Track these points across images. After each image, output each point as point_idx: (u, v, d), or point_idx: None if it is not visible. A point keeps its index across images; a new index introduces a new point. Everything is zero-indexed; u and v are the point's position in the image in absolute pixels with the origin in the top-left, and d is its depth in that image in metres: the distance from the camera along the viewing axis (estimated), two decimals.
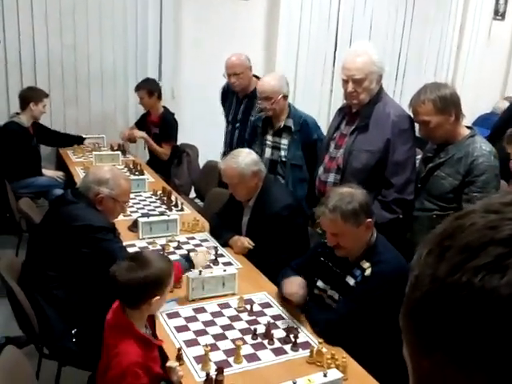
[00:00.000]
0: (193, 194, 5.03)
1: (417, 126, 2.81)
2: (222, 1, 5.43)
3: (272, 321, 2.33)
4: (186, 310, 2.39)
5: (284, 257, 2.71)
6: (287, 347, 2.14)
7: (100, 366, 1.94)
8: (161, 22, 5.26)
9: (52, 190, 4.43)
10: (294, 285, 2.37)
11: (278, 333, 2.23)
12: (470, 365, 0.46)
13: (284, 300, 2.45)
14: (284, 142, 3.53)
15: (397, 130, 2.76)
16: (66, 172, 4.67)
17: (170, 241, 3.10)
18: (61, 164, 4.95)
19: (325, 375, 1.82)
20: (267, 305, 2.48)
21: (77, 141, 5.02)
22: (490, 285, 0.45)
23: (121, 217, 2.97)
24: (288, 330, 2.23)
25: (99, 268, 2.00)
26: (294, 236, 2.93)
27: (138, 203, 3.79)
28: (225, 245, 3.09)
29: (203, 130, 4.88)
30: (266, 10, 5.69)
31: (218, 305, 2.45)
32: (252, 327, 2.24)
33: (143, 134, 4.83)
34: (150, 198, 3.94)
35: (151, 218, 3.21)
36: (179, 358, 2.00)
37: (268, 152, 3.60)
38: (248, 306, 2.42)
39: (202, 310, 2.41)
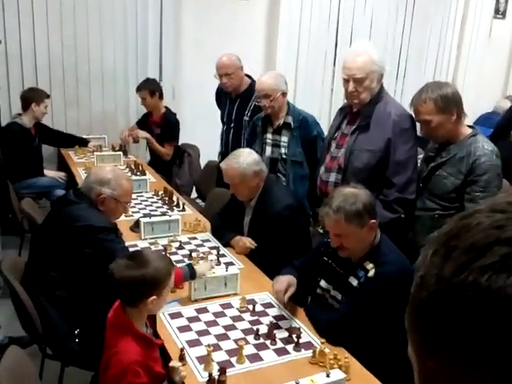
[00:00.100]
0: (194, 194, 5.03)
1: (418, 125, 2.81)
2: (223, 0, 5.43)
3: (274, 321, 2.33)
4: (189, 311, 2.39)
5: (285, 257, 2.71)
6: (290, 347, 2.14)
7: (101, 365, 1.94)
8: (161, 22, 5.26)
9: (54, 191, 4.44)
10: (279, 283, 2.39)
11: (281, 333, 2.24)
12: (474, 365, 0.46)
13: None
14: (284, 139, 3.55)
15: (398, 129, 2.76)
16: (68, 172, 4.68)
17: (172, 241, 3.10)
18: (62, 164, 4.95)
19: (327, 375, 1.83)
20: (269, 305, 2.48)
21: (80, 142, 5.02)
22: (497, 284, 0.45)
23: (123, 217, 2.97)
24: (290, 330, 2.23)
25: (101, 268, 2.00)
26: (296, 236, 2.94)
27: (140, 203, 3.80)
28: (227, 245, 3.09)
29: (204, 130, 4.88)
30: (266, 9, 5.69)
31: (221, 305, 2.46)
32: (254, 327, 2.24)
33: (147, 134, 4.83)
34: (152, 198, 3.94)
35: (153, 219, 3.22)
36: (182, 358, 2.00)
37: (268, 150, 3.61)
38: (250, 306, 2.42)
39: (204, 310, 2.41)
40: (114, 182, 2.64)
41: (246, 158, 3.02)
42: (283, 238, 2.88)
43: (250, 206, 3.12)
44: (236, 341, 2.15)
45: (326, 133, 3.53)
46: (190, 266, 2.52)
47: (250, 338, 2.20)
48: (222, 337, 2.20)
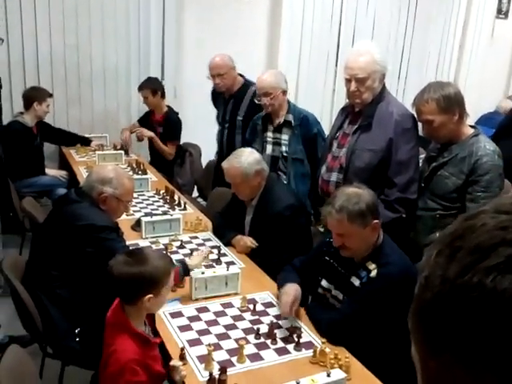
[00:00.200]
0: (195, 194, 5.04)
1: (420, 125, 2.80)
2: (225, 1, 5.43)
3: (275, 320, 2.33)
4: (189, 310, 2.39)
5: (286, 256, 2.70)
6: (290, 347, 2.14)
7: (100, 364, 1.95)
8: (163, 22, 5.27)
9: (55, 190, 4.45)
10: (287, 295, 2.29)
11: (281, 332, 2.23)
12: (479, 366, 0.46)
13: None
14: (285, 137, 3.56)
15: (400, 129, 2.76)
16: (69, 171, 4.68)
17: (173, 240, 3.10)
18: (64, 163, 4.96)
19: (328, 375, 1.82)
20: (270, 304, 2.48)
21: (83, 142, 5.02)
22: (502, 286, 0.44)
23: (124, 216, 2.97)
24: (291, 329, 2.23)
25: (102, 267, 2.00)
26: (297, 236, 2.93)
27: (141, 202, 3.80)
28: (228, 244, 3.09)
29: (205, 130, 4.87)
30: (268, 9, 5.68)
31: (221, 304, 2.45)
32: (255, 327, 2.24)
33: (152, 133, 4.84)
34: (153, 197, 3.94)
35: (154, 218, 3.22)
36: (182, 357, 2.00)
37: (269, 148, 3.62)
38: (251, 306, 2.42)
39: (205, 309, 2.41)
40: (116, 181, 2.64)
41: (247, 157, 3.02)
42: (284, 237, 2.87)
43: (252, 205, 3.12)
44: (237, 340, 2.15)
45: (327, 132, 3.54)
46: (182, 262, 2.53)
47: (251, 337, 2.20)
48: (223, 336, 2.20)
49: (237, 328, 2.27)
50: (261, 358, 2.07)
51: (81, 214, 2.55)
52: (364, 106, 2.84)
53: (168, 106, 4.94)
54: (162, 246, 3.02)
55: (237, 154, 3.07)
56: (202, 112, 5.16)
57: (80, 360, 2.47)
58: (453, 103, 2.60)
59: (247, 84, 4.16)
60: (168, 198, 3.83)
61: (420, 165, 2.91)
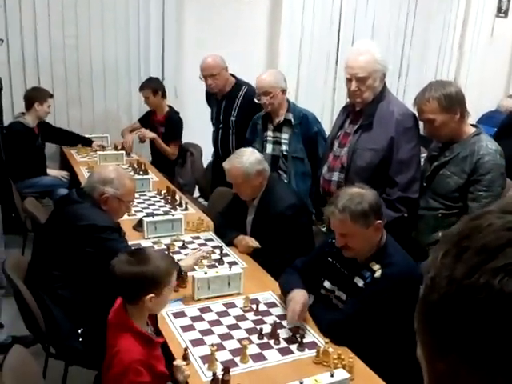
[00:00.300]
0: (196, 194, 5.04)
1: (421, 124, 2.80)
2: (225, 1, 5.42)
3: (278, 320, 2.32)
4: (192, 310, 2.39)
5: (288, 256, 2.71)
6: (293, 347, 2.14)
7: (104, 365, 1.95)
8: (163, 22, 5.26)
9: (56, 190, 4.45)
10: (295, 302, 2.25)
11: (284, 332, 2.23)
12: (486, 367, 0.46)
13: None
14: (285, 136, 3.57)
15: (401, 128, 2.76)
16: (70, 172, 4.68)
17: (175, 240, 3.11)
18: (65, 164, 4.96)
19: (331, 375, 1.82)
20: (273, 304, 2.48)
21: (84, 142, 5.02)
22: (509, 287, 0.44)
23: (125, 216, 2.97)
24: (294, 329, 2.23)
25: (104, 268, 2.00)
26: (299, 235, 2.94)
27: (143, 203, 3.80)
28: (230, 244, 3.09)
29: (206, 130, 4.86)
30: (268, 9, 5.68)
31: (224, 304, 2.45)
32: (258, 327, 2.24)
33: (154, 134, 4.84)
34: (155, 197, 3.95)
35: (156, 218, 3.22)
36: (185, 357, 2.00)
37: (269, 148, 3.63)
38: (254, 306, 2.42)
39: (207, 309, 2.41)
40: (117, 182, 2.64)
41: (248, 157, 3.02)
42: (286, 237, 2.87)
43: (253, 205, 3.12)
44: (240, 340, 2.15)
45: (327, 132, 3.54)
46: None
47: (254, 337, 2.20)
48: (226, 336, 2.20)
49: (240, 328, 2.27)
50: (264, 358, 2.07)
51: (82, 215, 2.55)
52: (365, 106, 2.84)
53: (169, 106, 4.94)
54: (163, 246, 3.02)
55: (238, 154, 3.08)
56: (203, 112, 5.15)
57: (83, 360, 2.47)
58: (454, 102, 2.60)
59: (239, 84, 4.17)
60: (169, 198, 3.83)
61: (421, 164, 2.91)
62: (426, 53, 6.63)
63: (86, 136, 5.07)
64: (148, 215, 3.37)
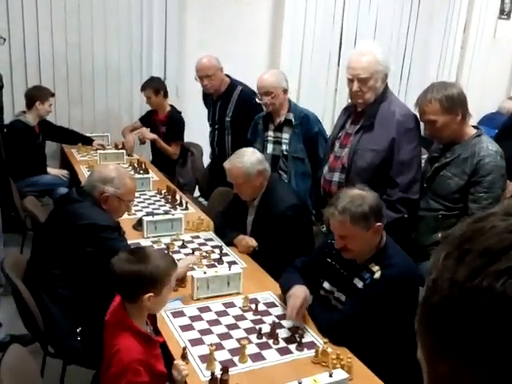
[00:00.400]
0: (197, 193, 5.03)
1: (422, 125, 2.80)
2: (227, 1, 5.42)
3: (277, 320, 2.32)
4: (191, 309, 2.39)
5: (289, 256, 2.70)
6: (292, 347, 2.14)
7: (103, 365, 1.94)
8: (165, 22, 5.27)
9: (56, 189, 4.45)
10: (294, 298, 2.24)
11: (283, 332, 2.23)
12: (488, 370, 0.45)
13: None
14: (285, 136, 3.57)
15: (402, 129, 2.75)
16: (71, 170, 4.68)
17: (175, 240, 3.10)
18: (65, 162, 4.96)
19: (330, 375, 1.82)
20: (272, 304, 2.48)
21: (85, 141, 5.02)
22: None
23: (125, 216, 2.97)
24: (293, 329, 2.22)
25: (104, 267, 2.00)
26: (299, 236, 2.93)
27: (143, 202, 3.80)
28: (229, 244, 3.09)
29: (207, 129, 4.87)
30: (270, 9, 5.68)
31: (223, 304, 2.45)
32: (257, 327, 2.24)
33: (154, 135, 4.84)
34: (155, 196, 3.94)
35: (156, 217, 3.22)
36: (184, 357, 1.99)
37: (270, 148, 3.63)
38: (253, 306, 2.42)
39: (206, 309, 2.40)
40: (118, 181, 2.64)
41: (249, 157, 3.01)
42: (286, 237, 2.87)
43: (253, 205, 3.11)
44: (238, 340, 2.14)
45: (329, 132, 3.54)
46: None
47: (253, 337, 2.19)
48: (225, 336, 2.20)
49: (239, 328, 2.27)
50: (263, 358, 2.06)
51: (82, 214, 2.54)
52: (366, 106, 2.84)
53: (171, 106, 4.94)
54: (163, 246, 3.02)
55: (239, 154, 3.07)
56: (204, 111, 5.15)
57: (81, 359, 2.47)
58: (456, 103, 2.59)
59: (234, 84, 4.18)
60: (170, 197, 3.83)
61: (422, 165, 2.90)
62: (428, 54, 6.62)
63: (87, 135, 5.07)
64: (148, 214, 3.37)
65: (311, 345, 2.14)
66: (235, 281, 2.54)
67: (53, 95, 4.60)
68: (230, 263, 2.82)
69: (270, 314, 2.40)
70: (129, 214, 3.19)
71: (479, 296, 0.45)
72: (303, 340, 2.15)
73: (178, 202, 3.76)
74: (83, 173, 4.30)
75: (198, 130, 5.02)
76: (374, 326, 2.12)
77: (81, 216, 2.53)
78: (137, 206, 3.62)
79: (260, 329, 2.21)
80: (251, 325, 2.29)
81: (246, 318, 2.35)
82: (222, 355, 2.05)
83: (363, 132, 2.84)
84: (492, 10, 6.80)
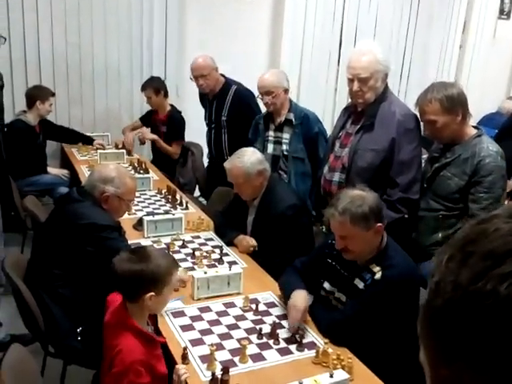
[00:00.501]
0: (197, 193, 5.03)
1: (422, 125, 2.80)
2: (226, 1, 5.42)
3: (277, 320, 2.32)
4: (192, 309, 2.38)
5: (289, 256, 2.70)
6: (293, 347, 2.14)
7: (104, 365, 1.94)
8: (166, 22, 5.26)
9: (57, 188, 4.45)
10: (297, 310, 2.22)
11: (284, 333, 2.23)
12: (490, 374, 0.45)
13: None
14: (286, 136, 3.57)
15: (402, 129, 2.75)
16: (71, 170, 4.68)
17: (175, 239, 3.10)
18: (65, 162, 4.96)
19: (331, 376, 1.82)
20: (272, 304, 2.48)
21: (85, 140, 5.02)
22: None
23: (126, 215, 2.97)
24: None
25: (104, 266, 2.00)
26: (299, 236, 2.93)
27: (143, 202, 3.80)
28: (230, 244, 3.09)
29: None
30: (270, 9, 5.68)
31: (224, 304, 2.45)
32: (257, 327, 2.24)
33: (154, 136, 4.84)
34: (155, 196, 3.94)
35: (156, 217, 3.22)
36: (185, 357, 1.99)
37: (270, 147, 3.63)
38: (253, 306, 2.41)
39: (207, 309, 2.40)
40: (118, 180, 2.64)
41: (249, 157, 3.01)
42: (287, 237, 2.87)
43: (254, 205, 3.11)
44: (239, 340, 2.14)
45: (329, 132, 3.54)
46: None
47: (253, 337, 2.19)
48: (225, 336, 2.20)
49: (239, 328, 2.27)
50: (263, 358, 2.06)
51: (83, 213, 2.54)
52: (366, 106, 2.84)
53: (171, 105, 4.94)
54: (163, 246, 3.01)
55: (239, 154, 3.07)
56: (204, 111, 5.16)
57: (82, 359, 2.47)
58: (456, 104, 2.59)
59: (229, 83, 4.19)
60: (170, 197, 3.83)
61: (422, 165, 2.90)
62: (428, 54, 6.62)
63: (87, 134, 5.07)
64: (148, 214, 3.37)
65: (312, 345, 2.14)
66: (235, 281, 2.54)
67: (53, 95, 4.60)
68: (231, 263, 2.82)
69: (270, 314, 2.40)
70: (129, 214, 3.19)
71: (483, 299, 0.45)
72: (304, 340, 2.15)
73: (179, 201, 3.75)
74: (83, 172, 4.30)
75: (198, 130, 5.01)
76: (374, 327, 2.12)
77: (81, 216, 2.53)
78: (137, 205, 3.62)
79: (260, 329, 2.21)
80: (252, 325, 2.29)
81: (247, 318, 2.35)
82: (222, 355, 2.05)
83: (363, 132, 2.84)
84: (492, 9, 6.80)
